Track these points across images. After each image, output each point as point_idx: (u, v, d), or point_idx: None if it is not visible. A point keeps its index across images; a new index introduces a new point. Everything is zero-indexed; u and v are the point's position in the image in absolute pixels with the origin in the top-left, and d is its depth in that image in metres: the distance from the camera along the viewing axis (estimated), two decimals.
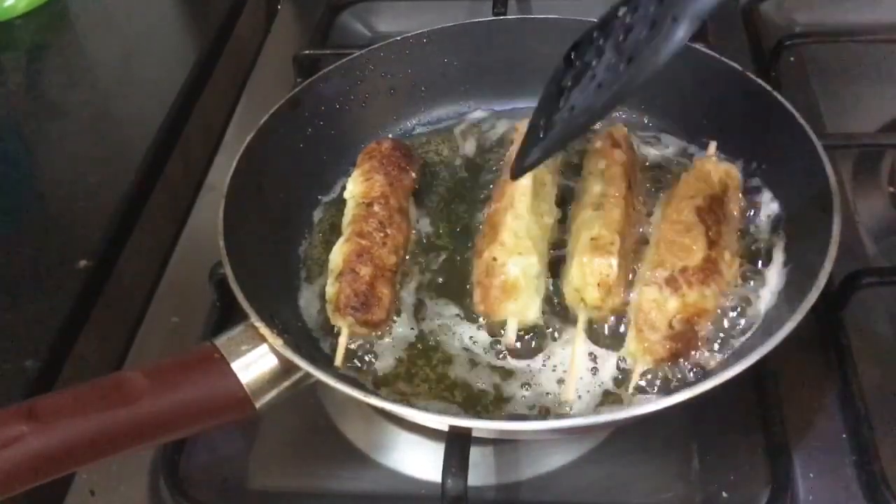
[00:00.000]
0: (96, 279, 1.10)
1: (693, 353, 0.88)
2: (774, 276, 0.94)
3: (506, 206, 0.97)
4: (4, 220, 1.18)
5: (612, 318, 0.93)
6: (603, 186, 0.99)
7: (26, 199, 1.22)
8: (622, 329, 0.93)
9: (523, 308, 0.93)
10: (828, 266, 0.82)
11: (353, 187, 1.05)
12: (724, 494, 0.86)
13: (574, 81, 0.88)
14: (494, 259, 0.93)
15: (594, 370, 0.90)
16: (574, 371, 0.89)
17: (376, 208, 1.00)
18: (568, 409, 0.87)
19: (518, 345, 0.93)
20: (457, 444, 0.78)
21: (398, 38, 1.20)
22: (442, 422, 0.80)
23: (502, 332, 0.93)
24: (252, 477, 0.94)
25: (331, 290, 0.95)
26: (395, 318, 0.97)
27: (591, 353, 0.91)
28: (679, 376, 0.87)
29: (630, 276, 0.95)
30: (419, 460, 0.93)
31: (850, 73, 1.35)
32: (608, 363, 0.90)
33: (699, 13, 0.70)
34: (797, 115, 0.98)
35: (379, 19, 1.60)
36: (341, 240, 0.99)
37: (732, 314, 0.92)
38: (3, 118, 1.37)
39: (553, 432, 0.87)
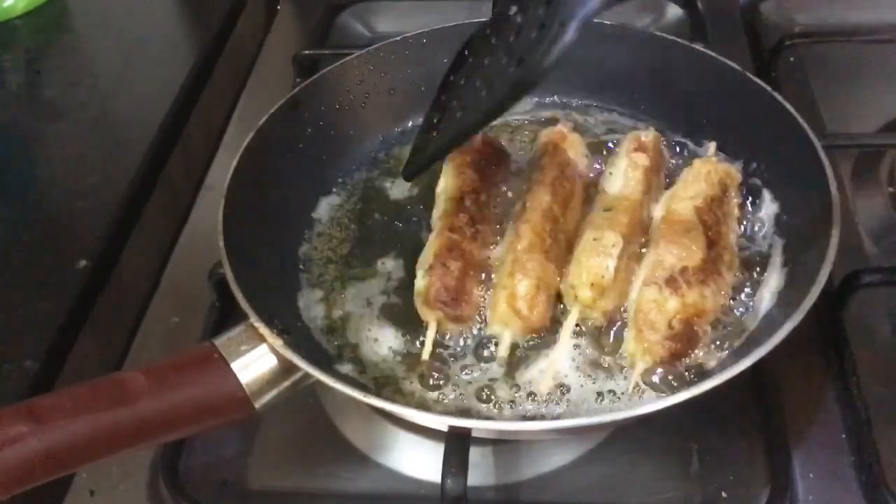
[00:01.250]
0: (96, 279, 1.10)
1: (693, 353, 0.88)
2: (774, 276, 0.94)
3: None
4: (4, 220, 1.18)
5: (613, 320, 0.93)
6: (619, 189, 0.99)
7: (26, 199, 1.22)
8: (621, 331, 0.92)
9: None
10: (828, 266, 0.82)
11: (445, 182, 1.05)
12: (724, 494, 0.86)
13: (466, 79, 0.87)
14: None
15: (592, 370, 0.90)
16: (553, 365, 0.88)
17: (467, 203, 1.00)
18: (542, 399, 0.87)
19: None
20: (457, 444, 0.78)
21: (398, 38, 1.20)
22: (442, 422, 0.80)
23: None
24: (252, 477, 0.94)
25: (420, 283, 0.95)
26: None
27: (590, 354, 0.91)
28: (679, 376, 0.87)
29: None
30: (419, 460, 0.93)
31: (850, 73, 1.35)
32: (607, 364, 0.90)
33: (586, 16, 0.70)
34: (797, 115, 0.98)
35: (379, 19, 1.60)
36: (432, 235, 0.99)
37: (733, 314, 0.92)
38: (2, 118, 1.37)
39: (553, 432, 0.87)
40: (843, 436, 0.90)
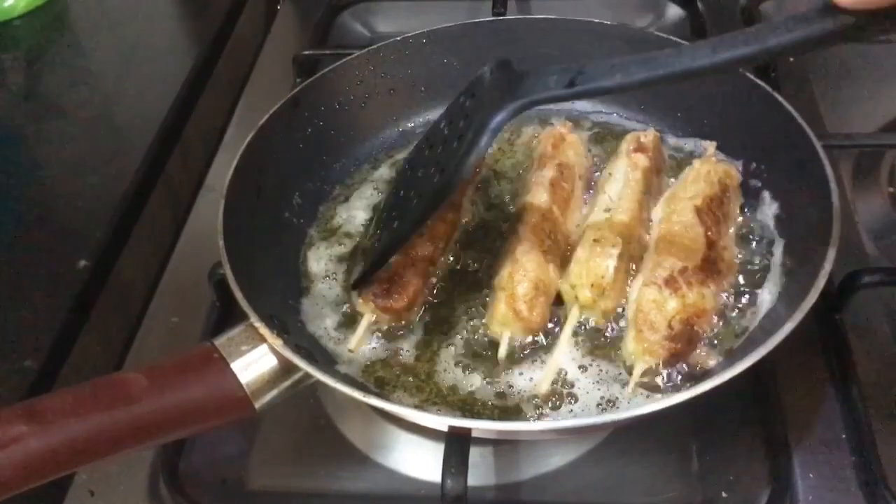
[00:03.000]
0: (96, 279, 1.10)
1: (693, 353, 0.88)
2: (774, 276, 0.94)
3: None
4: (4, 220, 1.18)
5: (612, 320, 0.93)
6: (619, 189, 0.99)
7: (26, 199, 1.22)
8: (619, 331, 0.92)
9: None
10: (828, 266, 0.82)
11: None
12: (724, 494, 0.86)
13: (404, 190, 0.95)
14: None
15: (589, 370, 0.90)
16: (553, 365, 0.89)
17: None
18: (538, 401, 0.87)
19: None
20: (456, 445, 0.78)
21: (398, 38, 1.20)
22: (442, 422, 0.80)
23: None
24: (252, 477, 0.94)
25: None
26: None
27: (590, 354, 0.91)
28: (679, 376, 0.87)
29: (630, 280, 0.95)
30: (419, 460, 0.93)
31: (850, 73, 1.35)
32: (606, 364, 0.90)
33: (495, 128, 0.80)
34: (797, 115, 0.98)
35: (379, 19, 1.60)
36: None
37: (733, 314, 0.92)
38: (3, 118, 1.37)
39: (553, 432, 0.87)
40: (843, 436, 0.90)
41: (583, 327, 0.93)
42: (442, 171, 0.83)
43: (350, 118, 1.17)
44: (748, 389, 0.92)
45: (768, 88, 1.03)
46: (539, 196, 1.00)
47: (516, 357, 0.92)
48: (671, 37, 1.15)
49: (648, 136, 1.06)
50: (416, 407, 0.88)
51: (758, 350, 0.77)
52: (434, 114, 1.22)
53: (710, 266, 0.91)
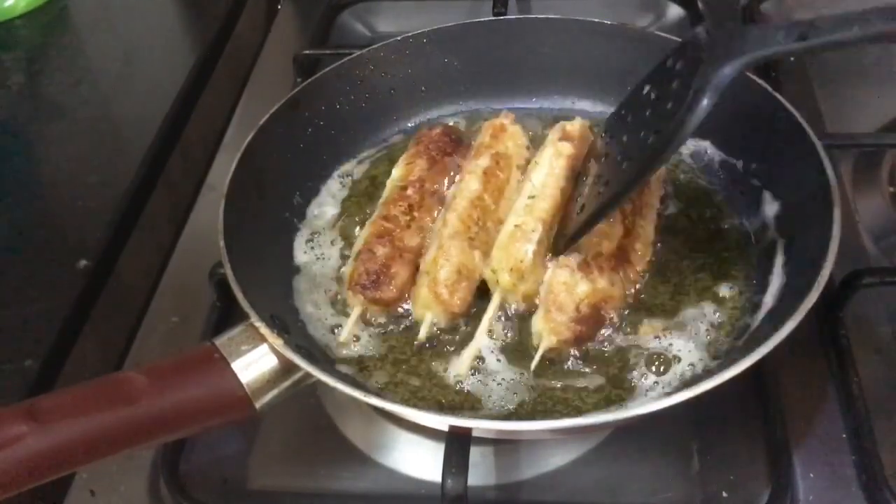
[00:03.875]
0: (96, 279, 1.10)
1: (596, 336, 0.91)
2: (775, 275, 0.94)
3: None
4: (5, 220, 1.18)
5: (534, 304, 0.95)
6: (543, 177, 1.01)
7: (26, 199, 1.22)
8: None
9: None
10: (828, 266, 0.82)
11: (395, 172, 1.08)
12: (724, 494, 0.86)
13: (605, 157, 0.93)
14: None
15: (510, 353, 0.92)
16: (472, 348, 0.91)
17: (409, 192, 1.03)
18: (458, 383, 0.89)
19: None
20: (457, 444, 0.78)
21: (398, 38, 1.20)
22: (442, 422, 0.80)
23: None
24: (252, 477, 0.94)
25: (347, 269, 0.98)
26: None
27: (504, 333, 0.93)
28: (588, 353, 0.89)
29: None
30: (419, 460, 0.93)
31: (850, 73, 1.35)
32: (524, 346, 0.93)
33: (719, 85, 0.76)
34: (797, 115, 0.98)
35: (379, 19, 1.60)
36: (368, 222, 1.02)
37: (733, 314, 0.92)
38: (3, 118, 1.37)
39: (553, 432, 0.87)
40: (843, 436, 0.90)
41: (505, 311, 0.95)
42: (658, 132, 0.81)
43: (350, 118, 1.17)
44: (748, 389, 0.92)
45: (769, 88, 1.03)
46: (470, 184, 1.02)
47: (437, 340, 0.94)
48: (671, 37, 1.15)
49: (575, 125, 1.07)
50: (417, 406, 0.88)
51: (758, 350, 0.77)
52: (434, 114, 1.22)
53: (622, 254, 0.93)
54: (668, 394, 0.84)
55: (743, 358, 0.77)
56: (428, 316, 0.94)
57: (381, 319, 0.97)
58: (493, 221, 1.01)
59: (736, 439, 0.90)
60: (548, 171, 1.01)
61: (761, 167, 1.04)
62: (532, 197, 0.99)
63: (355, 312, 0.95)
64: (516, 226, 0.96)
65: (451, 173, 1.08)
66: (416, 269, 0.98)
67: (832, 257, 0.83)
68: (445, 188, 1.07)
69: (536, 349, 0.90)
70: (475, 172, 1.03)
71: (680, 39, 1.14)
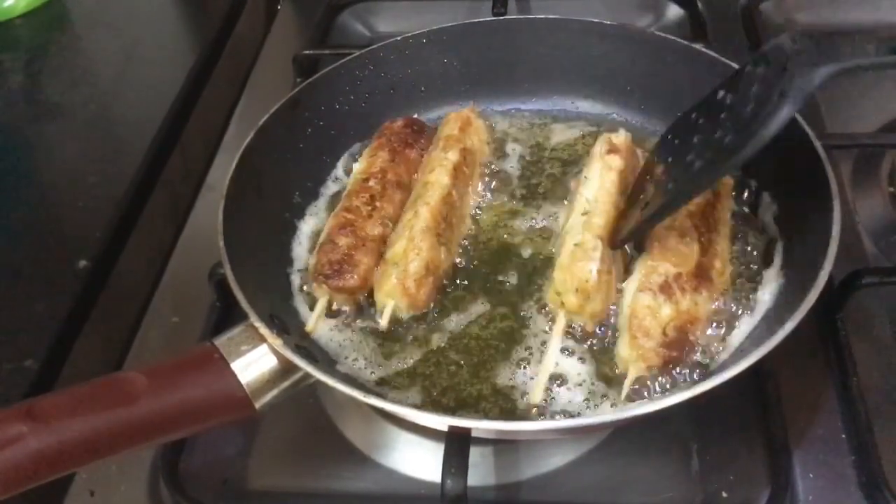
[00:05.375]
0: (96, 279, 1.10)
1: (687, 359, 0.88)
2: (774, 276, 0.94)
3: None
4: (5, 220, 1.18)
5: (603, 324, 0.93)
6: (595, 192, 0.99)
7: (26, 199, 1.22)
8: (610, 333, 0.92)
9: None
10: (828, 266, 0.82)
11: (358, 165, 1.09)
12: (724, 494, 0.86)
13: (673, 158, 0.92)
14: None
15: (582, 374, 0.90)
16: (544, 374, 0.88)
17: (371, 183, 1.04)
18: (535, 410, 0.87)
19: None
20: (457, 444, 0.78)
21: (398, 38, 1.20)
22: (442, 422, 0.80)
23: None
24: (252, 477, 0.94)
25: (311, 262, 0.99)
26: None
27: (580, 357, 0.91)
28: (678, 378, 0.87)
29: (617, 282, 0.95)
30: (419, 460, 0.93)
31: (850, 74, 1.34)
32: (596, 368, 0.90)
33: (805, 90, 0.76)
34: (797, 115, 0.98)
35: (379, 19, 1.60)
36: (331, 215, 1.03)
37: (732, 314, 0.92)
38: (3, 118, 1.37)
39: (553, 432, 0.87)
40: (843, 436, 0.90)
41: (573, 332, 0.93)
42: (736, 133, 0.81)
43: (350, 118, 1.17)
44: (748, 389, 0.92)
45: None
46: (442, 178, 1.03)
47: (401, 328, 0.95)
48: (671, 37, 1.15)
49: (620, 137, 1.06)
50: (417, 406, 0.88)
51: (758, 350, 0.77)
52: (434, 113, 1.22)
53: (703, 272, 0.91)
54: (668, 394, 0.84)
55: (743, 358, 0.77)
56: (389, 304, 0.94)
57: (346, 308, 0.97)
58: (457, 217, 1.03)
59: (736, 439, 0.90)
60: (599, 185, 1.00)
61: (761, 168, 1.04)
62: (586, 213, 0.97)
63: (321, 303, 0.96)
64: (576, 245, 0.93)
65: (414, 164, 1.09)
66: (380, 257, 0.99)
67: (832, 257, 0.83)
68: (408, 178, 1.08)
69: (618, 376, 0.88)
70: (445, 166, 1.04)
71: (680, 40, 1.15)
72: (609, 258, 0.93)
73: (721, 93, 0.88)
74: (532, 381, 0.89)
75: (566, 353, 0.91)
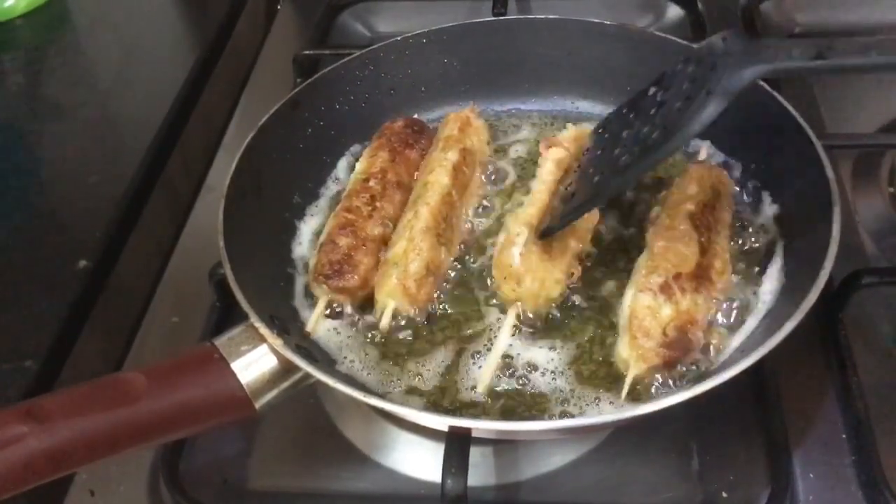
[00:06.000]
0: (96, 279, 1.10)
1: (687, 359, 0.87)
2: (774, 276, 0.94)
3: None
4: (5, 220, 1.18)
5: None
6: (536, 185, 1.01)
7: (27, 199, 1.22)
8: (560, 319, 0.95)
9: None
10: (828, 266, 0.82)
11: (359, 165, 1.09)
12: (724, 494, 0.86)
13: (602, 150, 0.93)
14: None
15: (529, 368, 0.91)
16: (493, 361, 0.90)
17: (371, 183, 1.04)
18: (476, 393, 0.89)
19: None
20: (457, 444, 0.78)
21: (398, 38, 1.20)
22: (442, 422, 0.80)
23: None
24: (252, 477, 0.94)
25: (311, 262, 0.99)
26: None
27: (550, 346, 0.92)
28: (679, 378, 0.87)
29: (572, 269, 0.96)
30: (419, 460, 0.93)
31: (849, 74, 1.34)
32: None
33: (731, 90, 0.77)
34: (797, 115, 0.98)
35: (379, 19, 1.60)
36: (332, 215, 1.03)
37: (732, 314, 0.92)
38: (3, 118, 1.37)
39: (553, 432, 0.87)
40: (843, 436, 0.90)
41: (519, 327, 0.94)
42: (664, 129, 0.82)
43: (350, 118, 1.17)
44: (748, 389, 0.92)
45: (768, 88, 1.03)
46: (442, 178, 1.03)
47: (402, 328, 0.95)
48: (671, 37, 1.15)
49: (564, 133, 1.07)
50: (417, 407, 0.88)
51: (758, 350, 0.77)
52: (434, 114, 1.22)
53: (703, 272, 0.91)
54: (668, 394, 0.84)
55: (743, 358, 0.77)
56: (391, 304, 0.94)
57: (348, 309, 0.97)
58: (457, 218, 1.03)
59: (736, 439, 0.90)
60: (537, 176, 1.02)
61: (761, 168, 1.04)
62: (520, 204, 1.00)
63: (321, 303, 0.96)
64: (506, 237, 0.96)
65: (414, 164, 1.09)
66: (380, 257, 0.99)
67: (832, 258, 0.83)
68: (408, 178, 1.08)
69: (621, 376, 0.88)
70: (445, 166, 1.04)
71: (680, 40, 1.15)
72: (542, 243, 0.94)
73: (653, 89, 0.89)
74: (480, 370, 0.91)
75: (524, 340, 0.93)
